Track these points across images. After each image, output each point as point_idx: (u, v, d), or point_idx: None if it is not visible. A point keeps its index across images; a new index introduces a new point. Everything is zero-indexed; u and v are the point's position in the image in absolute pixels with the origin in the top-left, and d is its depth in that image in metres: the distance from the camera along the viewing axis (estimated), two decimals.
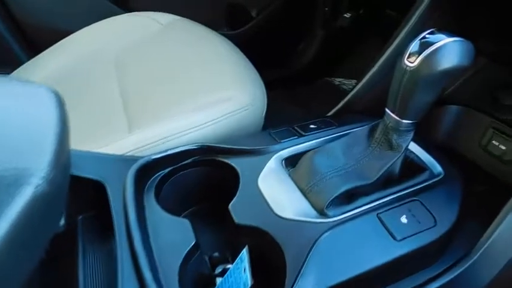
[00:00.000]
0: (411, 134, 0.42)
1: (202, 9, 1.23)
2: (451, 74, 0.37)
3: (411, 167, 0.46)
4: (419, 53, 0.37)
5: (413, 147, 0.48)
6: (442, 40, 0.36)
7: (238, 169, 0.46)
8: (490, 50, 0.61)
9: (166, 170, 0.47)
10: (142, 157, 0.46)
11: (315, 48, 1.33)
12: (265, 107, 0.66)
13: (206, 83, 0.64)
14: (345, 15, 1.22)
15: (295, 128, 0.51)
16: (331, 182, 0.41)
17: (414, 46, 0.38)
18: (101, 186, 0.40)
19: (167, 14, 0.96)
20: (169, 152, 0.46)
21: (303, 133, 0.50)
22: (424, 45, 0.37)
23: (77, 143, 0.55)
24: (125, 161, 0.45)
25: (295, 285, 0.33)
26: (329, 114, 0.59)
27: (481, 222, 0.42)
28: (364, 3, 1.20)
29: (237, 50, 0.81)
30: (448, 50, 0.36)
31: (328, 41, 1.30)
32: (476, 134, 0.62)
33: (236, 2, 1.26)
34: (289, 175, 0.45)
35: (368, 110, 0.57)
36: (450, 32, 0.38)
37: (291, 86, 1.38)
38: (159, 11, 0.99)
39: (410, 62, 0.37)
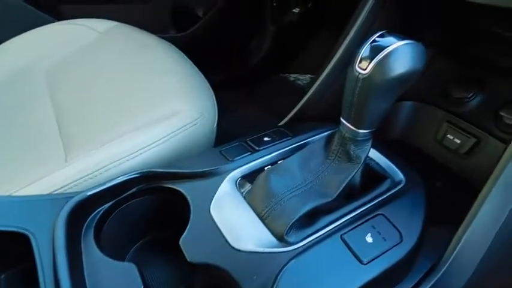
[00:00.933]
0: (369, 143, 0.39)
1: (144, 12, 1.16)
2: (405, 79, 0.34)
3: (372, 175, 0.44)
4: (370, 58, 0.34)
5: (372, 153, 0.45)
6: (394, 44, 0.34)
7: (188, 196, 0.41)
8: (436, 40, 0.60)
9: (107, 205, 0.41)
10: (76, 194, 0.40)
11: (267, 45, 1.30)
12: (216, 117, 0.62)
13: (149, 98, 0.58)
14: (294, 10, 1.20)
15: (248, 142, 0.47)
16: (290, 204, 0.38)
17: (365, 51, 0.35)
18: (26, 238, 0.34)
19: (105, 20, 0.88)
20: (107, 185, 0.41)
21: (257, 147, 0.46)
22: (375, 49, 0.34)
23: (2, 181, 0.48)
24: (55, 201, 0.39)
25: None
26: (282, 123, 0.55)
27: (445, 228, 0.41)
28: None
29: (183, 56, 0.76)
30: (401, 54, 0.34)
31: (279, 36, 1.27)
32: (431, 128, 0.61)
33: (181, 3, 1.20)
34: (245, 198, 0.41)
35: (323, 115, 0.55)
36: (400, 34, 0.35)
37: (246, 85, 1.35)
38: (95, 17, 0.91)
39: (362, 69, 0.35)
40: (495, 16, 0.50)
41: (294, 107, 0.59)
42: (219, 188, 0.42)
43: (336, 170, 0.40)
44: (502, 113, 0.55)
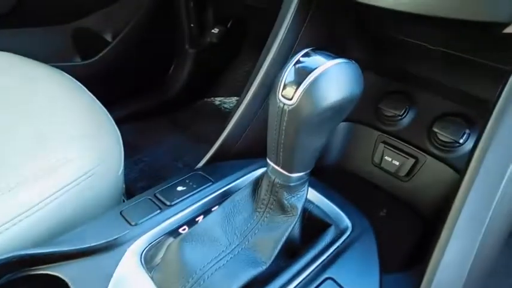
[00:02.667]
0: (306, 188, 0.32)
1: (41, 38, 1.00)
2: (342, 107, 0.27)
3: (312, 222, 0.36)
4: (297, 84, 0.27)
5: (310, 192, 0.38)
6: (324, 64, 0.26)
7: (72, 284, 0.30)
8: (363, 56, 0.56)
9: None
10: None
11: (188, 68, 1.21)
12: (122, 161, 0.50)
13: (30, 146, 0.45)
14: (213, 30, 1.13)
15: (157, 195, 0.37)
16: (214, 282, 0.28)
17: (289, 75, 0.27)
18: None
19: None
20: None
21: (168, 202, 0.36)
22: (302, 72, 0.27)
23: None
24: None
25: None
26: (200, 164, 0.46)
27: (403, 274, 0.34)
28: (230, 17, 1.12)
29: (80, 88, 0.63)
30: (334, 77, 0.26)
31: (200, 59, 1.19)
32: (368, 151, 0.56)
33: (85, 27, 1.06)
34: (153, 279, 0.30)
35: (249, 150, 0.46)
36: (329, 52, 0.28)
37: (169, 112, 1.24)
38: None
39: (287, 99, 0.27)
40: (416, 29, 0.47)
41: (221, 134, 0.50)
42: (118, 267, 0.31)
43: (268, 225, 0.31)
44: (435, 129, 0.52)
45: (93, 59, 1.05)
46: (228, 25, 1.13)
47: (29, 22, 0.96)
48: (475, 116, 0.49)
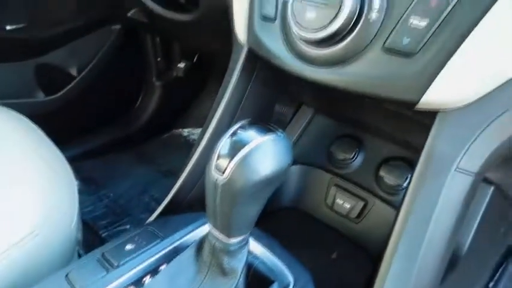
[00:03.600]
0: (246, 250, 0.33)
1: (2, 76, 0.98)
2: (273, 179, 0.29)
3: (256, 277, 0.37)
4: (230, 157, 0.28)
5: (254, 246, 0.39)
6: (255, 139, 0.28)
7: None
8: (316, 104, 0.59)
9: None
10: None
11: (156, 101, 1.22)
12: (76, 212, 0.50)
13: None
14: (179, 64, 1.15)
15: (105, 255, 0.38)
16: None
17: (223, 147, 0.29)
18: None
19: None
20: None
21: (115, 263, 0.37)
22: (235, 146, 0.28)
23: None
24: None
25: None
26: (152, 218, 0.46)
27: None
28: (196, 51, 1.15)
29: (28, 127, 0.61)
30: (264, 152, 0.28)
31: (167, 91, 1.21)
32: (321, 193, 0.58)
33: (49, 62, 1.06)
34: None
35: (201, 201, 0.48)
36: (264, 124, 0.30)
37: (137, 144, 1.24)
38: None
39: (220, 172, 0.28)
40: None
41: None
42: None
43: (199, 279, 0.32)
44: (381, 173, 0.55)
45: (57, 95, 1.05)
46: (194, 59, 1.15)
47: None
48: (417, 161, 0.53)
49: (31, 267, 0.41)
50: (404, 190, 0.52)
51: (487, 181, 0.46)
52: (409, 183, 0.51)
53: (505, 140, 0.30)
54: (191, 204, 0.48)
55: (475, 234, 0.48)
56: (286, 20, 0.33)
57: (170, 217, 0.44)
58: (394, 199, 0.54)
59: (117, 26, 1.11)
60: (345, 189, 0.56)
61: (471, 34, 0.26)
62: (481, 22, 0.25)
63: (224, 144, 0.29)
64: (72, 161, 0.59)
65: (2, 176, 0.47)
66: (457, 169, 0.29)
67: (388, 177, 0.53)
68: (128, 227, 0.91)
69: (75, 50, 1.08)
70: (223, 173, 0.28)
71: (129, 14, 1.00)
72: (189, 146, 1.24)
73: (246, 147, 0.28)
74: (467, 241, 0.47)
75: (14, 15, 0.89)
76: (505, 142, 0.30)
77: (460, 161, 0.29)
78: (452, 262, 0.47)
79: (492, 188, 0.47)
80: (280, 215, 0.58)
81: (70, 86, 1.07)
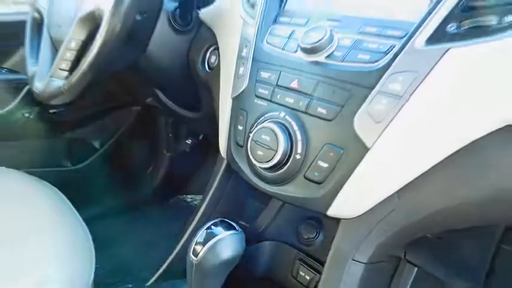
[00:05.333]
0: None
1: (38, 149, 1.18)
2: (231, 262, 0.44)
3: None
4: (202, 245, 0.43)
5: None
6: (220, 234, 0.44)
7: None
8: None
9: None
10: None
11: (164, 170, 1.40)
12: (92, 272, 0.64)
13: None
14: (187, 141, 1.34)
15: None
16: None
17: (200, 236, 0.45)
18: None
19: None
20: None
21: None
22: (207, 238, 0.44)
23: None
24: None
25: None
26: (151, 281, 0.61)
27: None
28: (200, 132, 1.34)
29: (61, 201, 0.78)
30: (226, 243, 0.44)
31: (175, 162, 1.39)
32: (288, 266, 0.72)
33: (76, 137, 1.26)
34: None
35: None
36: (229, 222, 0.46)
37: (146, 207, 1.39)
38: None
39: (194, 256, 0.43)
40: None
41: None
42: None
43: None
44: None
45: (82, 164, 1.24)
46: (200, 138, 1.34)
47: (32, 135, 1.14)
48: None
49: None
50: None
51: (411, 263, 0.60)
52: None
53: (390, 235, 0.44)
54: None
55: None
56: (247, 151, 0.50)
57: (166, 283, 0.58)
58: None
59: (137, 108, 1.32)
60: (307, 264, 0.70)
61: (352, 175, 0.42)
62: (356, 168, 0.42)
63: (200, 235, 0.45)
64: (88, 220, 0.74)
65: (29, 237, 0.62)
66: (352, 260, 0.44)
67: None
68: (130, 286, 1.03)
69: (100, 127, 1.29)
70: (197, 256, 0.43)
71: (147, 101, 1.21)
72: (191, 210, 1.40)
73: (213, 239, 0.43)
74: None
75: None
76: (390, 237, 0.44)
77: (354, 254, 0.44)
78: None
79: (416, 269, 0.60)
80: (253, 285, 0.71)
81: (93, 156, 1.26)
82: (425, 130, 0.39)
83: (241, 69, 0.56)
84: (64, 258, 0.61)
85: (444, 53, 0.37)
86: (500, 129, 0.35)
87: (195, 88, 0.82)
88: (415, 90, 0.39)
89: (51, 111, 1.10)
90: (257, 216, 0.72)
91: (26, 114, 1.04)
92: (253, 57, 0.54)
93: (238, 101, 0.56)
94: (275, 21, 0.56)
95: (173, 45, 0.76)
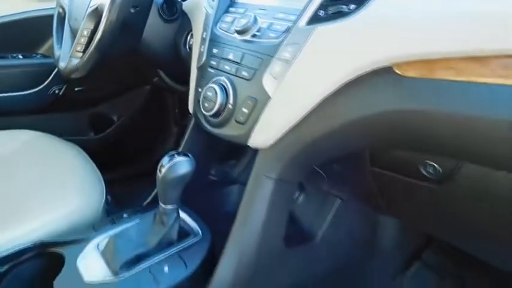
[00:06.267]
0: (175, 213, 0.68)
1: (68, 120, 1.44)
2: (182, 178, 0.64)
3: (182, 232, 0.71)
4: (165, 165, 0.64)
5: (184, 215, 0.74)
6: (176, 158, 0.64)
7: (64, 253, 0.66)
8: None
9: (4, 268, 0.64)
10: None
11: (171, 142, 1.62)
12: (103, 200, 0.87)
13: (48, 193, 0.83)
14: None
15: (112, 218, 0.74)
16: (124, 253, 0.64)
17: (164, 160, 0.65)
18: None
19: (28, 131, 1.14)
20: (6, 253, 0.64)
21: (115, 221, 0.73)
22: (169, 160, 0.64)
23: None
24: None
25: None
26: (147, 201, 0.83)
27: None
28: None
29: (83, 157, 1.02)
30: (180, 165, 0.64)
31: (181, 134, 1.60)
32: None
33: (99, 111, 1.51)
34: (100, 254, 0.66)
35: None
36: (185, 153, 0.66)
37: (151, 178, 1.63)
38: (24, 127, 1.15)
39: (160, 172, 0.64)
40: None
41: None
42: (85, 249, 0.67)
43: (156, 231, 0.67)
44: None
45: (102, 134, 1.49)
46: None
47: (62, 109, 1.40)
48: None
49: (77, 225, 0.78)
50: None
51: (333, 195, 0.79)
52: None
53: (290, 158, 0.62)
54: None
55: (327, 228, 0.79)
56: (200, 105, 0.70)
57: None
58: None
59: (148, 87, 1.55)
60: None
61: (261, 116, 0.61)
62: (264, 111, 0.61)
63: (164, 159, 0.65)
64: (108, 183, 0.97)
65: (55, 175, 0.86)
66: (265, 176, 0.63)
67: None
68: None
69: (117, 103, 1.53)
70: (161, 173, 0.64)
71: (154, 80, 1.43)
72: None
73: (171, 161, 0.64)
74: (319, 231, 0.78)
75: (81, 82, 1.35)
76: (291, 159, 0.63)
77: (266, 172, 0.63)
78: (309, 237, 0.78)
79: (339, 201, 0.79)
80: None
81: (111, 128, 1.51)
82: (305, 82, 0.57)
83: (202, 47, 0.75)
84: (79, 191, 0.85)
85: (314, 30, 0.56)
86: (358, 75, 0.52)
87: (184, 66, 1.03)
88: (297, 56, 0.57)
89: (76, 89, 1.35)
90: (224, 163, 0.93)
91: (56, 91, 1.28)
92: (209, 38, 0.74)
93: (199, 70, 0.76)
94: (226, 11, 0.75)
95: (163, 32, 0.97)
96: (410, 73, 0.49)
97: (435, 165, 0.52)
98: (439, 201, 0.58)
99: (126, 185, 1.52)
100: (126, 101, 1.56)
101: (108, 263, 0.64)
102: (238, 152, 1.04)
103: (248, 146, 0.65)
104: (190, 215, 0.75)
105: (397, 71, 0.49)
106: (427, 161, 0.53)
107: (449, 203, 0.57)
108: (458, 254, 1.05)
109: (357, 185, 0.70)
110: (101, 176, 0.98)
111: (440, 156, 0.52)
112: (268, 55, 0.61)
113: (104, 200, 0.89)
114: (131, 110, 1.56)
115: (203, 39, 0.76)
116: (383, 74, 0.50)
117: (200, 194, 0.91)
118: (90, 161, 1.03)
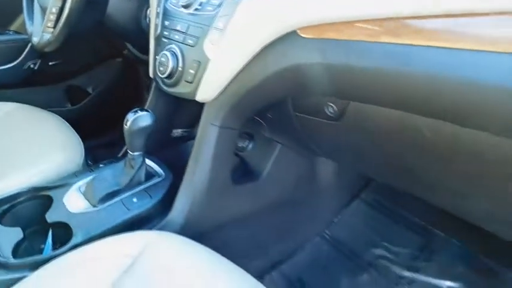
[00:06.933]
0: (141, 158, 0.83)
1: (45, 93, 1.55)
2: (144, 129, 0.79)
3: (149, 174, 0.87)
4: (129, 118, 0.79)
5: (149, 162, 0.90)
6: (138, 113, 0.79)
7: (52, 195, 0.81)
8: None
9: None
10: None
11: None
12: (83, 154, 1.02)
13: (35, 151, 0.97)
14: None
15: (89, 163, 0.89)
16: (101, 191, 0.80)
17: (129, 116, 0.80)
18: None
19: (8, 102, 1.25)
20: (4, 196, 0.79)
21: (93, 169, 0.89)
22: (131, 114, 0.79)
23: None
24: None
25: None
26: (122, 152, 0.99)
27: None
28: None
29: (63, 123, 1.15)
30: (141, 118, 0.79)
31: None
32: None
33: (74, 84, 1.62)
34: (82, 193, 0.82)
35: None
36: (147, 110, 0.81)
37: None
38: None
39: (126, 125, 0.79)
40: None
41: None
42: (70, 190, 0.82)
43: (127, 172, 0.83)
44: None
45: (79, 105, 1.61)
46: None
47: (38, 83, 1.51)
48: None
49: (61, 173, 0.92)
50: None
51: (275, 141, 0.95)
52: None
53: (231, 107, 0.78)
54: None
55: (271, 168, 0.96)
56: (155, 69, 0.85)
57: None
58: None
59: (119, 59, 1.67)
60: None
61: (204, 75, 0.76)
62: (206, 71, 0.76)
63: (129, 115, 0.80)
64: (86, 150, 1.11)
65: (39, 137, 1.00)
66: (211, 124, 0.79)
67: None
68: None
69: (91, 76, 1.65)
70: (127, 125, 0.79)
71: (124, 53, 1.55)
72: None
73: (134, 115, 0.79)
74: (264, 171, 0.96)
75: (55, 56, 1.45)
76: (232, 108, 0.78)
77: (212, 120, 0.79)
78: (255, 176, 0.96)
79: (280, 145, 0.96)
80: None
81: (87, 99, 1.63)
82: (235, 46, 0.72)
83: (157, 20, 0.89)
84: (62, 149, 0.99)
85: (238, 4, 0.70)
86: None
87: (146, 37, 1.15)
88: (228, 25, 0.72)
89: (50, 63, 1.46)
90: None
91: (32, 66, 1.39)
92: (162, 12, 0.87)
93: (156, 40, 0.89)
94: None
95: (125, 7, 1.09)
96: (309, 34, 0.64)
97: (333, 105, 0.69)
98: (342, 136, 0.75)
99: (103, 150, 1.67)
100: (100, 73, 1.68)
101: (88, 199, 0.80)
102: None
103: (196, 100, 0.80)
104: (155, 162, 0.91)
105: (300, 34, 0.65)
106: (328, 103, 0.70)
107: (349, 137, 0.75)
108: (393, 193, 1.26)
109: (289, 130, 0.86)
110: (80, 139, 1.12)
111: (334, 98, 0.68)
112: (207, 25, 0.75)
113: (83, 157, 1.04)
114: (105, 81, 1.68)
115: (157, 13, 0.89)
116: (291, 36, 0.65)
117: (165, 147, 1.07)
118: (70, 127, 1.17)
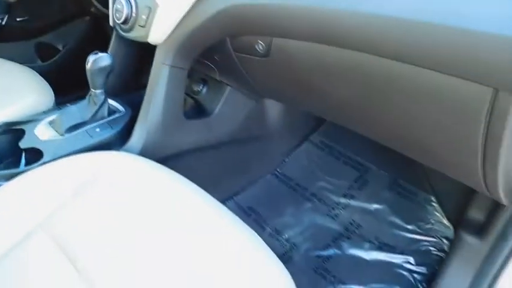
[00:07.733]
0: (103, 96, 0.95)
1: (15, 49, 1.62)
2: (103, 69, 0.91)
3: (111, 110, 0.99)
4: (90, 60, 0.90)
5: (113, 102, 1.02)
6: (100, 54, 0.90)
7: (25, 128, 0.93)
8: None
9: None
10: None
11: None
12: (53, 99, 1.12)
13: (7, 95, 1.07)
14: None
15: (59, 107, 1.01)
16: (68, 123, 0.92)
17: (89, 57, 0.91)
18: None
19: None
20: None
21: (61, 107, 1.00)
22: (94, 55, 0.90)
23: None
24: None
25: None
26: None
27: None
28: None
29: (34, 74, 1.25)
30: (101, 59, 0.90)
31: None
32: None
33: (44, 41, 1.69)
34: (51, 126, 0.94)
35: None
36: (107, 52, 0.92)
37: None
38: None
39: (87, 65, 0.91)
40: None
41: None
42: (41, 122, 0.94)
43: (91, 108, 0.95)
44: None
45: (49, 62, 1.69)
46: None
47: (7, 39, 1.57)
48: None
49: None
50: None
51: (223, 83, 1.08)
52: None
53: (179, 47, 0.90)
54: None
55: (221, 107, 1.10)
56: (112, 15, 0.96)
57: None
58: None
59: (87, 17, 1.74)
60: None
61: (155, 19, 0.87)
62: (155, 15, 0.87)
63: (90, 56, 0.91)
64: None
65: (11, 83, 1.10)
66: (163, 64, 0.91)
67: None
68: None
69: (60, 33, 1.71)
70: (88, 65, 0.90)
71: (91, 10, 1.62)
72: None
73: (95, 56, 0.90)
74: (215, 109, 1.09)
75: (22, 12, 1.52)
76: (180, 48, 0.90)
77: (164, 60, 0.91)
78: (207, 114, 1.09)
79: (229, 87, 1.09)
80: None
81: (58, 56, 1.71)
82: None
83: None
84: (34, 92, 1.09)
85: None
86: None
87: None
88: None
89: (18, 19, 1.52)
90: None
91: None
92: None
93: None
94: None
95: None
96: None
97: (261, 43, 0.82)
98: (274, 72, 0.89)
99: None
100: (69, 31, 1.75)
101: (56, 130, 0.92)
102: None
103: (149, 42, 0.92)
104: (118, 102, 1.03)
105: None
106: (258, 41, 0.83)
107: (279, 72, 0.88)
108: (338, 135, 1.41)
109: (233, 71, 0.99)
110: (49, 86, 1.22)
111: (262, 35, 0.81)
112: None
113: (54, 101, 1.15)
114: (75, 39, 1.75)
115: None
116: None
117: (132, 91, 1.19)
118: (40, 76, 1.26)
